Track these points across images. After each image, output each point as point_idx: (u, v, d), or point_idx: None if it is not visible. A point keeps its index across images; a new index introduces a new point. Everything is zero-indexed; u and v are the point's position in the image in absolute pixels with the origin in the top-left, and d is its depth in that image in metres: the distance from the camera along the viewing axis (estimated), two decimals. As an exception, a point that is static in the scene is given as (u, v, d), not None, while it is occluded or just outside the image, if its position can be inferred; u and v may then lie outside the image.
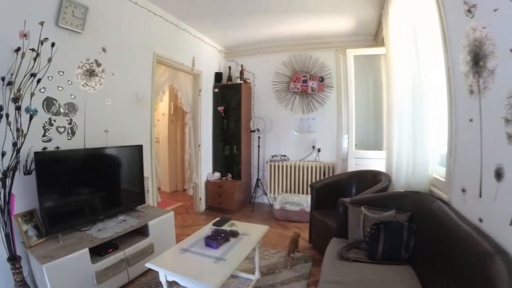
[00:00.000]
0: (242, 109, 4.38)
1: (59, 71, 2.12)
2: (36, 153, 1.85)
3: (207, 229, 2.31)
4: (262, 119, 4.48)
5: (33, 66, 1.78)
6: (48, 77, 2.01)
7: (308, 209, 3.79)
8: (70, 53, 2.20)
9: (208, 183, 4.34)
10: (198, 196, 4.25)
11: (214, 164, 4.59)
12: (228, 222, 2.46)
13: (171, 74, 3.97)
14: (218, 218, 2.57)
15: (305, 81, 4.52)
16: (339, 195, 2.85)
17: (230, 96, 4.51)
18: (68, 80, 2.21)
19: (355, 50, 4.13)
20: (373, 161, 3.94)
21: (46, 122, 2.06)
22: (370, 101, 4.29)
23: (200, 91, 4.20)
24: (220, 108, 4.42)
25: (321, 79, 4.47)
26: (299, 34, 4.15)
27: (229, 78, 4.56)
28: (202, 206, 4.31)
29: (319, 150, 4.50)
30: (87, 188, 2.25)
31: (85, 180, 2.24)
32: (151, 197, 3.14)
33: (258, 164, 4.49)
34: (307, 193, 4.37)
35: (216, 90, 4.50)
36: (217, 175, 4.40)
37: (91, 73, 2.41)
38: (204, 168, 4.33)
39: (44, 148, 2.04)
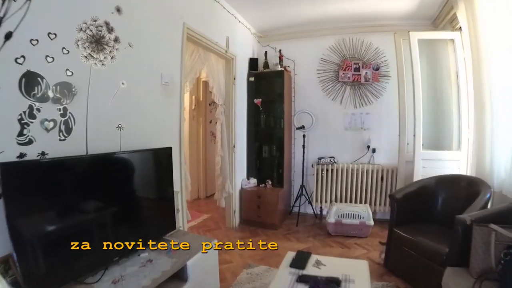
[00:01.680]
0: (285, 101, 3.63)
1: (49, 33, 1.33)
2: (2, 165, 1.06)
3: (286, 275, 1.55)
4: (309, 114, 3.73)
5: None
6: (31, 39, 1.25)
7: (370, 222, 3.11)
8: (67, 5, 1.43)
9: (243, 191, 3.56)
10: (232, 208, 3.47)
11: (249, 168, 3.82)
12: (308, 258, 1.72)
13: (201, 56, 3.21)
14: (292, 254, 1.81)
15: (357, 69, 3.80)
16: (423, 207, 2.53)
17: (267, 87, 3.76)
18: (63, 48, 1.40)
19: (420, 34, 3.42)
20: (446, 163, 3.22)
21: (25, 112, 1.24)
22: (434, 93, 3.57)
23: (234, 79, 3.44)
24: (257, 101, 3.67)
25: (376, 67, 3.75)
26: (349, 15, 3.46)
27: (266, 65, 3.80)
28: (236, 219, 3.53)
29: (374, 151, 3.76)
30: (93, 215, 1.45)
31: (89, 203, 1.41)
32: (181, 218, 2.37)
33: (302, 168, 3.72)
34: (365, 202, 3.64)
35: (252, 79, 3.74)
36: (253, 181, 3.63)
37: (98, 41, 1.61)
38: (239, 174, 3.55)
39: (21, 156, 1.23)
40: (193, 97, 4.53)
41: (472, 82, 2.75)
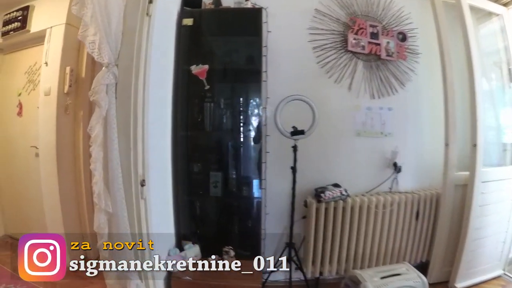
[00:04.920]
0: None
1: None
2: None
3: None
4: (308, 104, 1.84)
5: None
6: None
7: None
8: None
9: (175, 282, 1.54)
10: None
11: (179, 222, 1.81)
12: None
13: None
14: None
15: (374, 36, 2.24)
16: None
17: (223, 42, 1.86)
18: None
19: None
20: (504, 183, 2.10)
21: None
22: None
23: (148, 14, 1.45)
24: (199, 70, 1.72)
25: (402, 37, 2.27)
26: None
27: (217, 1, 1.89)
28: None
29: (398, 170, 2.22)
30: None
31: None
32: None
33: (292, 210, 1.88)
34: (397, 259, 2.09)
35: (189, 21, 1.78)
36: (193, 252, 1.65)
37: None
38: (160, 241, 1.51)
39: None
40: (68, 69, 2.28)
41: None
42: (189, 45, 1.81)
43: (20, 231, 2.76)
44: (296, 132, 1.69)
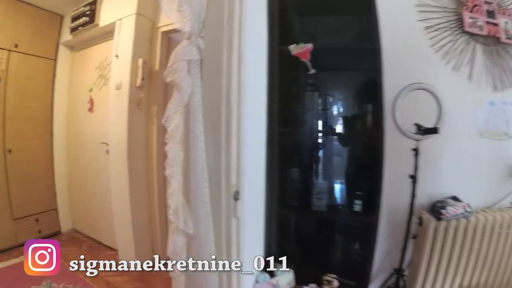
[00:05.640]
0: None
1: None
2: None
3: None
4: (433, 94, 1.49)
5: None
6: None
7: None
8: None
9: None
10: None
11: (270, 236, 1.52)
12: None
13: None
14: None
15: (490, 14, 1.79)
16: None
17: (325, 21, 1.54)
18: None
19: None
20: None
21: None
22: None
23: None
24: (301, 51, 1.42)
25: None
26: None
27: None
28: None
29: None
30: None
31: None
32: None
33: (406, 228, 1.51)
34: None
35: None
36: (287, 278, 1.35)
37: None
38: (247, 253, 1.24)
39: None
40: (140, 61, 2.14)
41: None
42: (286, 21, 1.49)
43: (87, 227, 2.73)
44: (429, 130, 1.31)
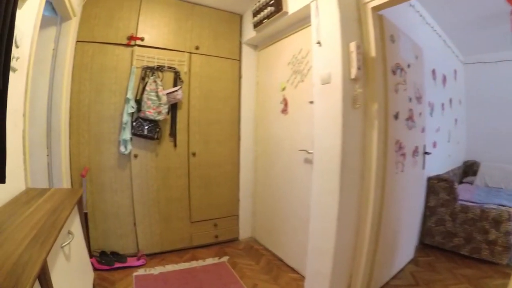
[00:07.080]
0: None
1: None
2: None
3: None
4: None
5: None
6: None
7: None
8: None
9: None
10: None
11: None
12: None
13: None
14: None
15: None
16: None
17: None
18: None
19: None
20: None
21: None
22: None
23: None
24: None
25: None
26: None
27: None
28: None
29: None
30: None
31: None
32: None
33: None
34: None
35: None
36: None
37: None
38: None
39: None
40: (352, 45, 1.62)
41: None
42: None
43: (267, 239, 2.49)
44: None
